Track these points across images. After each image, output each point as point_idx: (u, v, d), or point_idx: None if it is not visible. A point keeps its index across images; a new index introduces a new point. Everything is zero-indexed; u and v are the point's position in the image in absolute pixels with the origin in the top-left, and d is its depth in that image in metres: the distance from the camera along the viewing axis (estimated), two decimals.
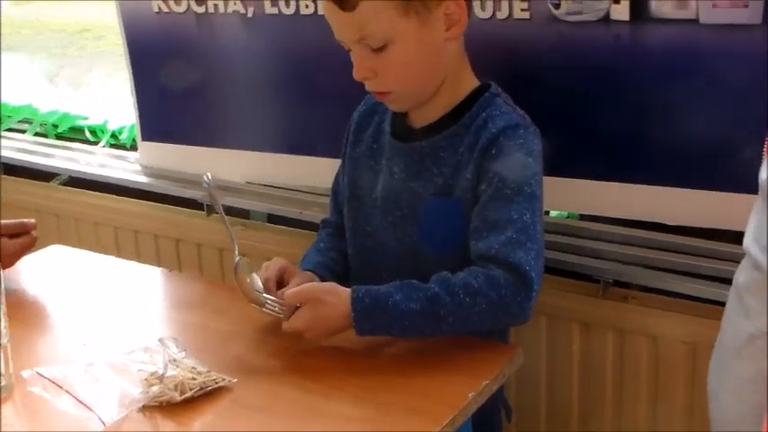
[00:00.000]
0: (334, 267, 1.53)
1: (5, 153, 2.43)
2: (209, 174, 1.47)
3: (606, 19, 1.52)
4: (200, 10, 1.97)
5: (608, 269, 1.66)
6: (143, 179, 2.21)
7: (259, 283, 1.40)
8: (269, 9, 1.88)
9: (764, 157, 1.09)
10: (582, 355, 1.70)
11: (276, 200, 2.04)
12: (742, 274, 1.10)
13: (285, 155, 2.00)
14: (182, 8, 1.99)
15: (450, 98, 1.44)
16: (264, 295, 1.38)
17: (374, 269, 1.47)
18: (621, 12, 1.50)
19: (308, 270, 1.48)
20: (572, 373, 1.72)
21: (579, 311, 1.68)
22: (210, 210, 2.11)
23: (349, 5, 1.33)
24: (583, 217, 1.76)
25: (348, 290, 1.31)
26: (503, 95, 1.45)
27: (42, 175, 2.41)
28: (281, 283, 1.42)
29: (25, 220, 1.61)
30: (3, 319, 1.25)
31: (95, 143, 2.41)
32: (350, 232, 1.54)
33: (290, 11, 1.85)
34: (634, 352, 1.65)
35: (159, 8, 2.02)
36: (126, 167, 2.27)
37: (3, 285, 1.25)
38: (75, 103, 2.52)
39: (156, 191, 2.20)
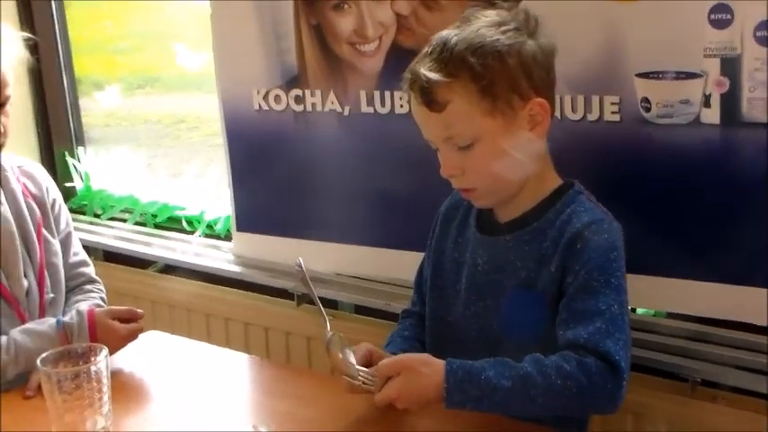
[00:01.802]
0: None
1: (106, 241, 2.53)
2: (300, 258, 1.52)
3: (697, 122, 1.54)
4: (299, 108, 2.06)
5: (697, 368, 1.64)
6: (236, 268, 2.28)
7: (352, 358, 1.41)
8: (364, 108, 1.95)
9: None
10: None
11: (364, 291, 2.08)
12: None
13: (373, 248, 2.05)
14: (281, 106, 2.08)
15: (534, 195, 1.47)
16: (357, 367, 1.39)
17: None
18: (712, 115, 1.53)
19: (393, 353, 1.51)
20: None
21: (667, 411, 1.67)
22: (300, 300, 2.16)
23: (438, 107, 1.39)
24: (671, 315, 1.75)
25: (442, 361, 1.34)
26: (586, 193, 1.48)
27: (140, 262, 2.50)
28: (368, 364, 1.44)
29: (134, 308, 1.68)
30: (107, 403, 1.31)
31: (191, 233, 2.50)
32: (430, 321, 1.57)
33: (385, 110, 1.92)
34: None
35: (260, 106, 2.12)
36: (220, 257, 2.35)
37: (109, 370, 1.31)
38: (172, 193, 2.62)
39: (247, 280, 2.26)
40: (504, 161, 1.42)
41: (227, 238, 2.39)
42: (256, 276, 2.23)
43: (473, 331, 1.49)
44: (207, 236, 2.47)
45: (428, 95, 1.39)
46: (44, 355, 1.34)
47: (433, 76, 1.38)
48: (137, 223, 2.63)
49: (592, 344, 1.33)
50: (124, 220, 2.66)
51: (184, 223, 2.53)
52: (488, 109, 1.38)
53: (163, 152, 2.86)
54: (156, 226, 2.59)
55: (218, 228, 2.45)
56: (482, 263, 1.49)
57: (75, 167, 2.77)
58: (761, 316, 1.57)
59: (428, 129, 1.44)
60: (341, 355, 1.41)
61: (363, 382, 1.37)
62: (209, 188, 2.51)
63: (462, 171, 1.43)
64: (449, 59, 1.38)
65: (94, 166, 2.78)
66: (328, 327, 1.43)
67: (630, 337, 1.37)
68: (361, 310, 2.13)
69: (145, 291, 2.45)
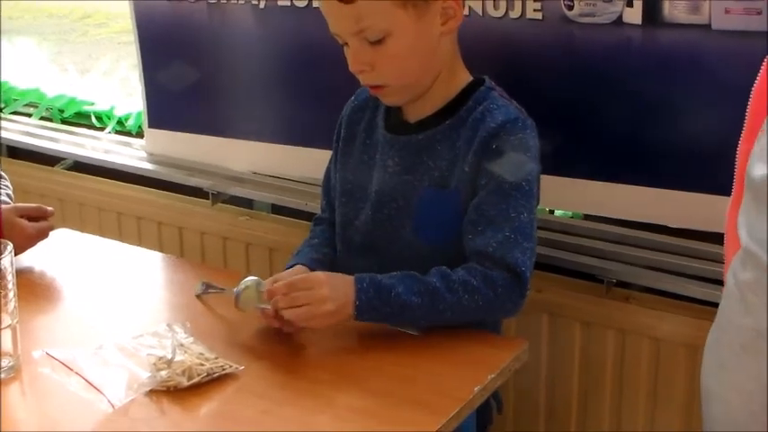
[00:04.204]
0: (327, 263, 1.53)
1: (11, 136, 2.43)
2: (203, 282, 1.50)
3: (619, 22, 1.53)
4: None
5: (611, 269, 1.67)
6: (148, 166, 2.22)
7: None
8: (281, 1, 1.89)
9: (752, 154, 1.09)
10: (583, 354, 1.71)
11: (280, 190, 2.05)
12: (742, 272, 1.09)
13: (290, 146, 2.01)
14: None
15: (444, 92, 1.45)
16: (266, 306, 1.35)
17: (364, 264, 1.47)
18: (634, 15, 1.51)
19: (302, 264, 1.49)
20: (572, 372, 1.73)
21: (582, 310, 1.70)
22: (215, 199, 2.12)
23: None
24: (587, 217, 1.77)
25: (351, 278, 1.33)
26: (498, 89, 1.46)
27: (47, 159, 2.41)
28: None
29: (44, 206, 1.61)
30: (13, 300, 1.26)
31: (101, 129, 2.42)
32: (339, 227, 1.55)
33: (303, 3, 1.86)
34: (635, 352, 1.66)
35: None
36: (131, 154, 2.28)
37: (14, 266, 1.26)
38: (80, 89, 2.52)
39: (160, 178, 2.21)
40: (415, 56, 1.39)
41: (139, 135, 2.32)
42: (170, 174, 2.18)
43: (385, 234, 1.47)
44: (117, 132, 2.39)
45: None
46: None
47: None
48: (42, 118, 2.52)
49: (500, 254, 1.34)
50: (29, 115, 2.55)
51: (93, 119, 2.43)
52: (400, 1, 1.34)
53: (70, 48, 2.76)
54: (64, 121, 2.50)
55: (130, 124, 2.37)
56: (393, 164, 1.47)
57: None
58: (674, 218, 1.60)
59: (338, 22, 1.39)
60: (255, 298, 1.38)
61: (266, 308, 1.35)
62: (118, 84, 2.43)
63: (372, 67, 1.39)
64: None
65: None
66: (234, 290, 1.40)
67: (536, 242, 1.39)
68: (278, 209, 2.10)
69: (53, 188, 2.37)
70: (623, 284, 1.68)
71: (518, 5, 1.60)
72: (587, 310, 1.69)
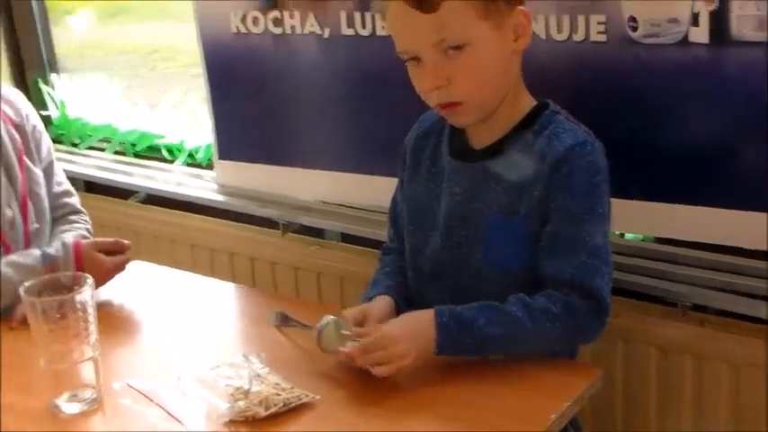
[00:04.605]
0: (403, 291, 1.54)
1: (87, 171, 2.49)
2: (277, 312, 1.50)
3: (685, 42, 1.51)
4: (278, 31, 2.01)
5: (686, 293, 1.64)
6: (219, 197, 2.25)
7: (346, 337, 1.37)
8: (345, 30, 1.91)
9: None
10: (659, 379, 1.69)
11: (350, 219, 2.05)
12: None
13: (358, 174, 2.02)
14: (259, 29, 2.03)
15: (509, 117, 1.44)
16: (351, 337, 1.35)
17: (435, 291, 1.48)
18: (700, 34, 1.50)
19: (382, 294, 1.49)
20: (649, 398, 1.70)
21: (657, 335, 1.67)
22: (286, 228, 2.14)
23: (431, 6, 1.33)
24: (659, 240, 1.74)
25: (430, 315, 1.32)
26: (563, 112, 1.46)
27: (121, 192, 2.46)
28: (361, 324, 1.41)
29: (121, 240, 1.66)
30: (94, 332, 1.29)
31: (172, 161, 2.46)
32: (410, 256, 1.55)
33: (366, 32, 1.88)
34: (713, 377, 1.63)
35: (237, 29, 2.06)
36: (202, 186, 2.31)
37: (94, 299, 1.29)
38: (150, 122, 2.57)
39: (231, 209, 2.23)
40: (491, 70, 1.39)
41: (209, 166, 2.35)
42: (240, 205, 2.20)
43: (455, 262, 1.47)
44: (188, 165, 2.43)
45: None
46: (28, 284, 1.31)
47: None
48: (116, 152, 2.58)
49: (578, 280, 1.33)
50: (103, 150, 2.61)
51: (165, 152, 2.48)
52: (482, 11, 1.34)
53: (139, 82, 2.82)
54: (136, 155, 2.55)
55: (200, 156, 2.41)
56: (460, 191, 1.46)
57: (49, 95, 2.70)
58: (751, 240, 1.57)
59: (416, 34, 1.37)
60: (337, 340, 1.37)
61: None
62: (187, 118, 2.47)
63: (449, 81, 1.37)
64: None
65: (69, 95, 2.72)
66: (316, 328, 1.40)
67: (612, 267, 1.38)
68: (347, 238, 2.11)
69: (127, 221, 2.42)
70: (699, 308, 1.65)
71: (582, 28, 1.60)
72: (662, 334, 1.66)
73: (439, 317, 1.32)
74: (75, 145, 2.67)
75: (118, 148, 2.58)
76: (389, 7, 1.39)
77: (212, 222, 2.31)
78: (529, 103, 1.46)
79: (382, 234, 1.94)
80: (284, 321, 1.49)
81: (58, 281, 1.35)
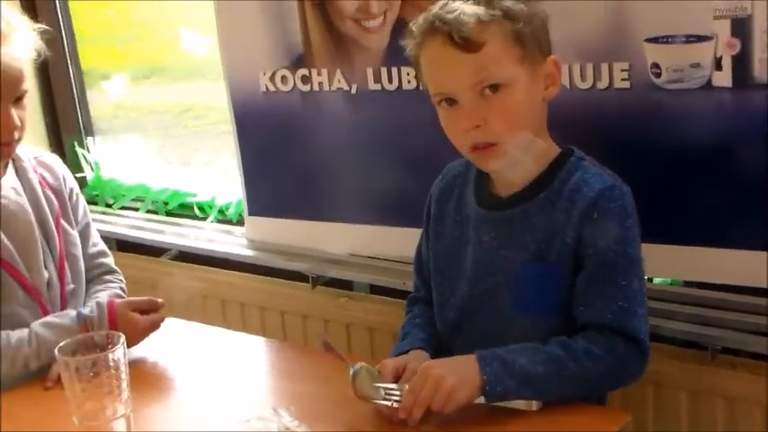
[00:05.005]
0: (434, 342, 1.54)
1: (120, 230, 2.53)
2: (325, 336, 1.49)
3: (708, 86, 1.53)
4: (306, 88, 2.05)
5: (715, 336, 1.64)
6: (249, 252, 2.27)
7: (380, 383, 1.38)
8: (372, 85, 1.94)
9: None
10: (691, 425, 1.67)
11: (378, 270, 2.07)
12: None
13: (386, 227, 2.04)
14: (288, 87, 2.07)
15: (536, 165, 1.45)
16: (384, 387, 1.36)
17: (463, 341, 1.48)
18: (724, 78, 1.51)
19: (417, 348, 1.49)
20: None
21: (687, 379, 1.67)
22: (315, 282, 2.16)
23: (474, 47, 1.37)
24: (687, 284, 1.74)
25: (471, 357, 1.33)
26: (588, 158, 1.47)
27: (154, 250, 2.50)
28: (398, 377, 1.41)
29: (155, 298, 1.68)
30: (126, 390, 1.31)
31: (203, 219, 2.50)
32: (437, 307, 1.56)
33: (393, 86, 1.91)
34: (746, 421, 1.62)
35: (266, 87, 2.11)
36: (233, 242, 2.34)
37: (127, 357, 1.32)
38: (182, 181, 2.62)
39: (262, 264, 2.26)
40: (525, 113, 1.41)
41: (240, 222, 2.39)
42: (270, 260, 2.23)
43: (483, 310, 1.48)
44: (219, 221, 2.47)
45: (464, 34, 1.36)
46: (62, 344, 1.34)
47: (474, 11, 1.36)
48: (148, 211, 2.63)
49: (617, 324, 1.35)
50: (136, 209, 2.66)
51: (196, 210, 2.52)
52: (519, 56, 1.39)
53: (171, 141, 2.87)
54: (168, 213, 2.59)
55: (230, 213, 2.44)
56: (489, 239, 1.47)
57: (84, 157, 2.76)
58: None
59: (455, 74, 1.40)
60: (368, 385, 1.37)
61: (396, 401, 1.33)
62: (218, 174, 2.51)
63: (485, 121, 1.39)
64: (483, 1, 1.38)
65: (104, 156, 2.78)
66: (351, 365, 1.40)
67: (647, 309, 1.39)
68: (376, 289, 2.12)
69: (160, 279, 2.44)
70: (729, 351, 1.64)
71: (605, 76, 1.62)
72: (693, 378, 1.66)
73: (481, 359, 1.32)
74: (108, 205, 2.72)
75: (150, 207, 2.63)
76: (427, 48, 1.42)
77: (243, 278, 2.33)
78: (554, 150, 1.48)
79: (410, 285, 1.95)
80: (327, 348, 1.47)
81: (92, 340, 1.38)
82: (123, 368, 1.32)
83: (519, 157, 1.44)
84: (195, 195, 2.54)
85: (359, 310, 2.11)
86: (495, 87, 1.38)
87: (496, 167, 1.47)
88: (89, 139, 2.80)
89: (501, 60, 1.38)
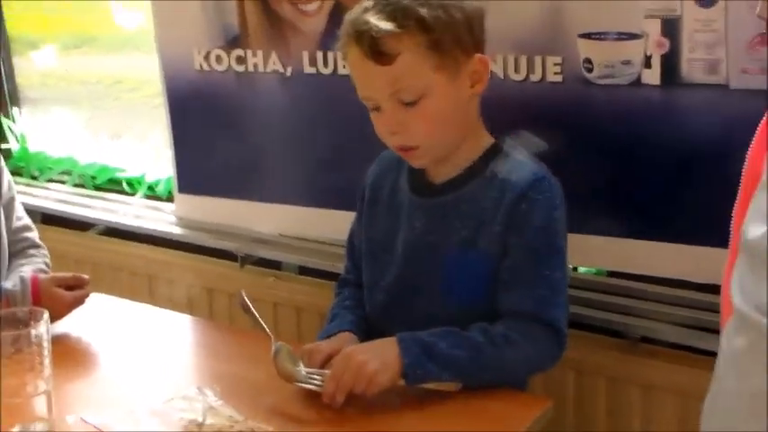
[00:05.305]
0: (364, 325, 1.55)
1: (46, 204, 2.49)
2: (243, 292, 1.48)
3: (638, 82, 1.56)
4: (241, 69, 2.04)
5: (636, 325, 1.68)
6: (178, 230, 2.26)
7: (301, 365, 1.38)
8: (307, 69, 1.94)
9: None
10: (609, 411, 1.71)
11: (307, 252, 2.08)
12: (735, 337, 1.04)
13: (317, 209, 2.05)
14: (223, 67, 2.06)
15: (468, 153, 1.47)
16: (308, 371, 1.37)
17: (392, 324, 1.48)
18: (653, 76, 1.55)
19: (346, 330, 1.50)
20: (598, 429, 1.73)
21: (607, 367, 1.70)
22: (244, 261, 2.15)
23: (387, 60, 1.37)
24: (611, 274, 1.78)
25: (392, 340, 1.35)
26: (519, 148, 1.49)
27: (80, 225, 2.46)
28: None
29: (80, 274, 1.66)
30: (48, 366, 1.29)
31: (132, 195, 2.47)
32: (367, 289, 1.57)
33: (328, 71, 1.91)
34: (661, 409, 1.66)
35: (201, 66, 2.09)
36: (162, 218, 2.32)
37: (50, 333, 1.30)
38: (112, 155, 2.58)
39: (190, 241, 2.25)
40: (448, 118, 1.42)
41: (169, 199, 2.37)
42: (199, 238, 2.22)
43: (412, 295, 1.49)
44: (148, 197, 2.44)
45: (377, 48, 1.37)
46: None
47: (385, 26, 1.35)
48: (76, 185, 2.58)
49: (538, 313, 1.38)
50: (63, 182, 2.61)
51: (125, 185, 2.49)
52: (436, 63, 1.38)
53: (102, 114, 2.81)
54: (96, 188, 2.56)
55: (160, 189, 2.42)
56: (420, 225, 1.49)
57: (10, 129, 2.70)
58: (698, 273, 1.61)
59: (373, 84, 1.41)
60: (291, 367, 1.38)
61: (319, 385, 1.35)
62: (149, 150, 2.48)
63: (405, 128, 1.41)
64: (397, 11, 1.36)
65: (31, 128, 2.72)
66: (273, 339, 1.39)
67: (568, 300, 1.43)
68: (305, 270, 2.13)
69: (86, 254, 2.42)
70: (649, 340, 1.68)
71: (539, 69, 1.64)
72: (613, 366, 1.70)
73: (402, 342, 1.34)
74: (34, 177, 2.66)
75: (78, 181, 2.59)
76: (348, 54, 1.43)
77: (171, 255, 2.31)
78: (487, 140, 1.50)
79: (340, 267, 1.95)
80: (245, 308, 1.47)
81: (15, 315, 1.35)
82: (46, 344, 1.30)
83: (444, 155, 1.46)
84: (124, 171, 2.51)
85: (287, 291, 2.11)
86: (412, 102, 1.39)
87: (421, 166, 1.49)
88: (15, 109, 2.74)
89: (416, 71, 1.37)
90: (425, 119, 1.40)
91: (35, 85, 2.85)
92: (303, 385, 1.36)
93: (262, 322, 1.42)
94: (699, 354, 1.63)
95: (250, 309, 1.45)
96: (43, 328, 1.30)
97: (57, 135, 2.69)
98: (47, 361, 1.29)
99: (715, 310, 1.61)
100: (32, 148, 2.71)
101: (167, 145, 2.27)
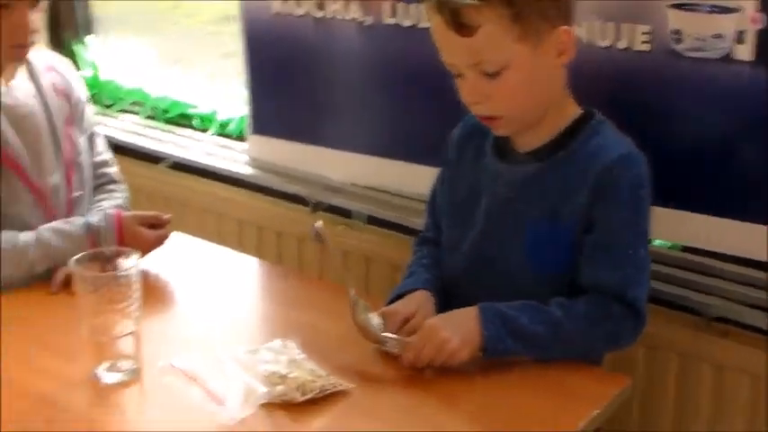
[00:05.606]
0: (440, 285, 1.55)
1: (117, 134, 2.50)
2: (320, 222, 1.48)
3: (728, 57, 1.53)
4: (320, 14, 2.02)
5: (710, 304, 1.67)
6: (249, 171, 2.27)
7: (376, 321, 1.41)
8: (387, 19, 1.92)
9: None
10: (678, 388, 1.72)
11: (378, 203, 2.08)
12: None
13: (390, 160, 2.04)
14: (301, 11, 2.05)
15: (554, 124, 1.46)
16: (385, 335, 1.38)
17: (470, 289, 1.50)
18: (745, 52, 1.51)
19: (421, 288, 1.51)
20: (666, 406, 1.74)
21: (679, 343, 1.70)
22: (315, 207, 2.16)
23: (468, 31, 1.35)
24: (685, 249, 1.77)
25: (474, 313, 1.35)
26: (608, 123, 1.47)
27: (149, 157, 2.48)
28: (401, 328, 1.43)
29: (162, 214, 1.68)
30: (137, 308, 1.32)
31: (203, 131, 2.47)
32: (447, 251, 1.57)
33: (409, 22, 1.89)
34: (732, 388, 1.66)
35: (279, 10, 2.08)
36: (233, 157, 2.33)
37: (139, 276, 1.32)
38: (180, 86, 2.58)
39: (261, 183, 2.26)
40: (531, 89, 1.40)
41: (239, 138, 2.37)
42: (271, 180, 2.23)
43: (491, 262, 1.49)
44: (220, 135, 2.45)
45: (458, 19, 1.35)
46: (78, 256, 1.33)
47: None
48: (148, 117, 2.60)
49: (620, 291, 1.37)
50: (135, 113, 2.62)
51: (196, 121, 2.50)
52: (518, 35, 1.36)
53: (160, 39, 2.81)
54: (167, 121, 2.57)
55: (231, 128, 2.42)
56: (503, 192, 1.48)
57: (83, 57, 2.71)
58: None
59: (454, 54, 1.40)
60: (369, 324, 1.39)
61: (393, 349, 1.37)
62: (220, 87, 2.48)
63: (488, 98, 1.40)
64: None
65: (103, 56, 2.73)
66: (352, 291, 1.40)
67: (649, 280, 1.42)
68: (374, 220, 2.13)
69: (156, 187, 2.44)
70: (722, 320, 1.68)
71: (626, 37, 1.62)
72: (684, 343, 1.70)
73: (483, 313, 1.35)
74: (107, 107, 2.68)
75: (149, 113, 2.60)
76: (431, 20, 1.41)
77: (242, 194, 2.33)
78: (574, 111, 1.48)
79: (409, 219, 1.97)
80: (318, 238, 1.48)
81: (102, 254, 1.38)
82: (136, 286, 1.32)
83: (528, 124, 1.45)
84: (196, 107, 2.51)
85: (356, 240, 2.12)
86: (494, 72, 1.37)
87: (503, 134, 1.49)
88: (88, 37, 2.75)
89: (497, 43, 1.35)
90: (508, 90, 1.39)
91: (109, 12, 2.85)
92: (381, 347, 1.38)
93: (335, 254, 1.43)
94: None
95: (325, 239, 1.46)
96: (135, 270, 1.32)
97: (128, 65, 2.69)
98: (136, 303, 1.32)
99: None
100: (104, 77, 2.72)
101: (240, 85, 2.26)
